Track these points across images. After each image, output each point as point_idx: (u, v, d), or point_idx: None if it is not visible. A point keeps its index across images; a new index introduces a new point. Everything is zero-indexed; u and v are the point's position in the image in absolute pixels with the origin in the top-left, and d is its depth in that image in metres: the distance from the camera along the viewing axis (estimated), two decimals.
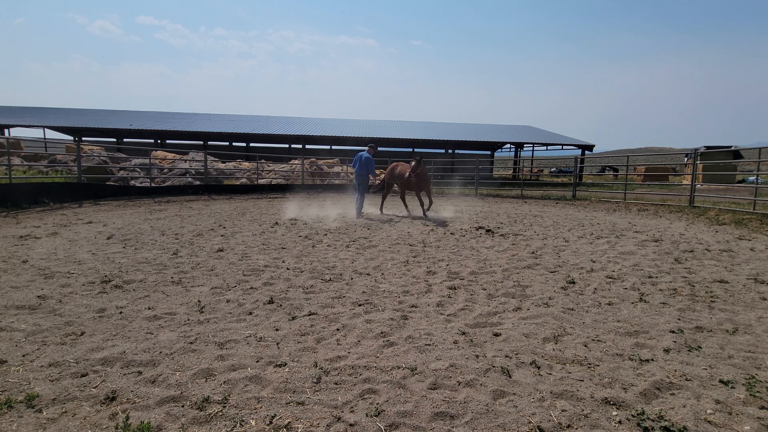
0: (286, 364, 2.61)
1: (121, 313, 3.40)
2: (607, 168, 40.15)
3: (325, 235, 7.40)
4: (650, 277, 4.78)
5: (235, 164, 20.51)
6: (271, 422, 2.04)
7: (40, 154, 18.92)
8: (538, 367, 2.61)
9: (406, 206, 10.90)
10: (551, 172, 48.21)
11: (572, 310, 3.66)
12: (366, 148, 10.31)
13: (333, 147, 36.12)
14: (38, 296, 3.71)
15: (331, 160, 22.44)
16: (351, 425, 2.02)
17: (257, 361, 2.64)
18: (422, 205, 10.08)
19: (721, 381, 2.47)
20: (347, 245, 6.47)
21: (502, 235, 7.63)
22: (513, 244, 6.70)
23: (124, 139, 34.71)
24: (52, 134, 31.40)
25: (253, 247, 6.14)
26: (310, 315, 3.47)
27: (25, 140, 18.63)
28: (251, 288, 4.17)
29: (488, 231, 7.96)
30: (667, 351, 2.86)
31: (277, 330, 3.14)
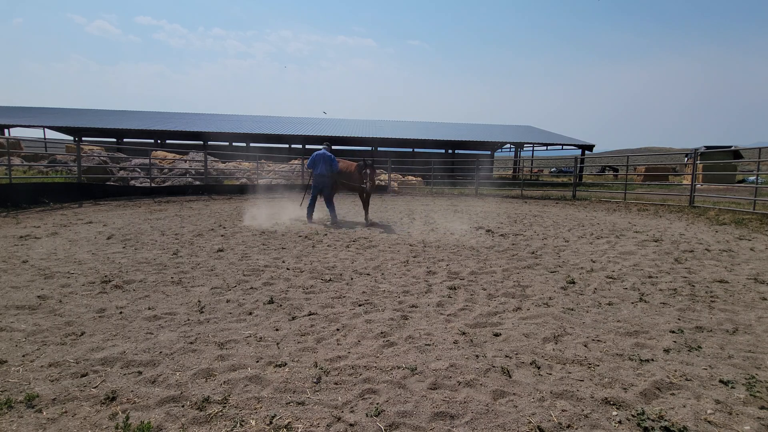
0: (286, 364, 2.61)
1: (121, 313, 3.40)
2: (607, 168, 40.15)
3: (325, 235, 7.40)
4: (650, 277, 4.78)
5: (235, 164, 20.51)
6: (271, 422, 2.04)
7: (40, 154, 18.92)
8: (538, 367, 2.61)
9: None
10: (551, 172, 48.20)
11: (572, 310, 3.66)
12: (323, 147, 9.09)
13: (333, 147, 36.14)
14: (38, 296, 3.71)
15: None
16: (351, 425, 2.02)
17: (257, 361, 2.64)
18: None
19: (721, 381, 2.47)
20: (347, 245, 6.47)
21: (502, 235, 7.63)
22: (513, 244, 6.70)
23: (124, 139, 34.70)
24: (52, 134, 31.39)
25: (253, 247, 6.14)
26: (310, 315, 3.47)
27: (25, 140, 18.60)
28: (251, 288, 4.17)
29: (488, 231, 7.96)
30: (667, 351, 2.86)
31: (277, 330, 3.14)
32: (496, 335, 3.10)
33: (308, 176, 10.60)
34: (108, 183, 13.69)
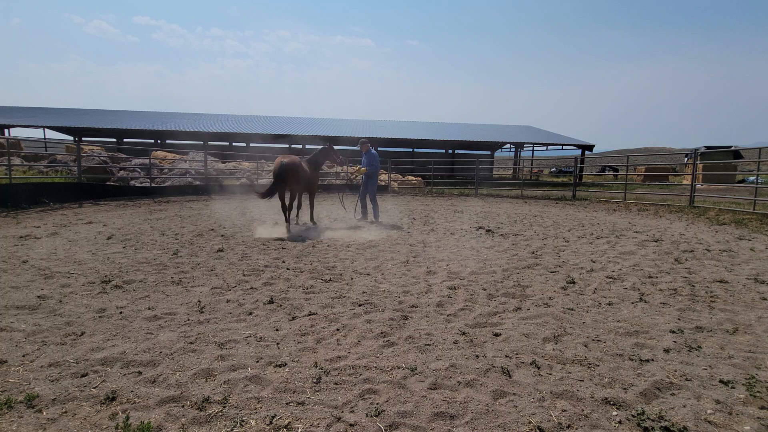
0: (286, 364, 2.61)
1: (121, 313, 3.40)
2: (607, 168, 40.16)
3: (325, 234, 7.40)
4: (650, 277, 4.78)
5: (235, 164, 20.51)
6: (271, 422, 2.04)
7: (40, 154, 18.92)
8: (538, 367, 2.61)
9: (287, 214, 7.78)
10: (551, 172, 48.20)
11: (572, 310, 3.66)
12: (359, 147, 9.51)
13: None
14: (38, 296, 3.71)
15: None
16: (351, 425, 2.02)
17: (257, 361, 2.64)
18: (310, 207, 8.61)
19: (721, 381, 2.46)
20: (347, 245, 6.46)
21: (502, 235, 7.63)
22: (513, 244, 6.70)
23: (124, 139, 34.69)
24: (52, 134, 31.41)
25: (253, 247, 6.14)
26: (310, 315, 3.47)
27: (25, 140, 18.61)
28: (251, 288, 4.17)
29: (488, 231, 7.96)
30: (667, 351, 2.86)
31: (277, 330, 3.14)
32: (496, 335, 3.10)
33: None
34: (108, 183, 13.69)
